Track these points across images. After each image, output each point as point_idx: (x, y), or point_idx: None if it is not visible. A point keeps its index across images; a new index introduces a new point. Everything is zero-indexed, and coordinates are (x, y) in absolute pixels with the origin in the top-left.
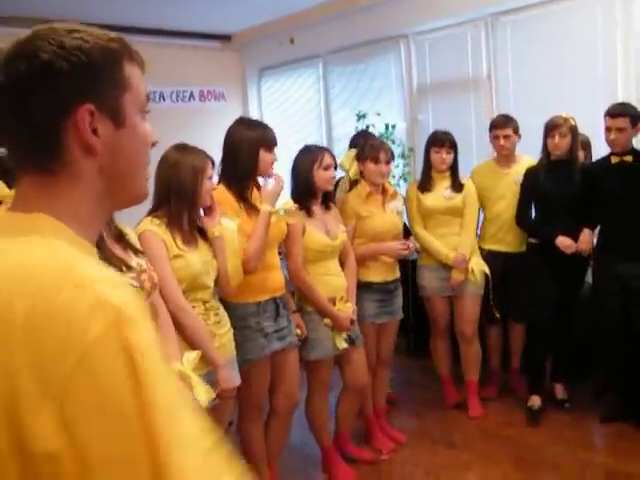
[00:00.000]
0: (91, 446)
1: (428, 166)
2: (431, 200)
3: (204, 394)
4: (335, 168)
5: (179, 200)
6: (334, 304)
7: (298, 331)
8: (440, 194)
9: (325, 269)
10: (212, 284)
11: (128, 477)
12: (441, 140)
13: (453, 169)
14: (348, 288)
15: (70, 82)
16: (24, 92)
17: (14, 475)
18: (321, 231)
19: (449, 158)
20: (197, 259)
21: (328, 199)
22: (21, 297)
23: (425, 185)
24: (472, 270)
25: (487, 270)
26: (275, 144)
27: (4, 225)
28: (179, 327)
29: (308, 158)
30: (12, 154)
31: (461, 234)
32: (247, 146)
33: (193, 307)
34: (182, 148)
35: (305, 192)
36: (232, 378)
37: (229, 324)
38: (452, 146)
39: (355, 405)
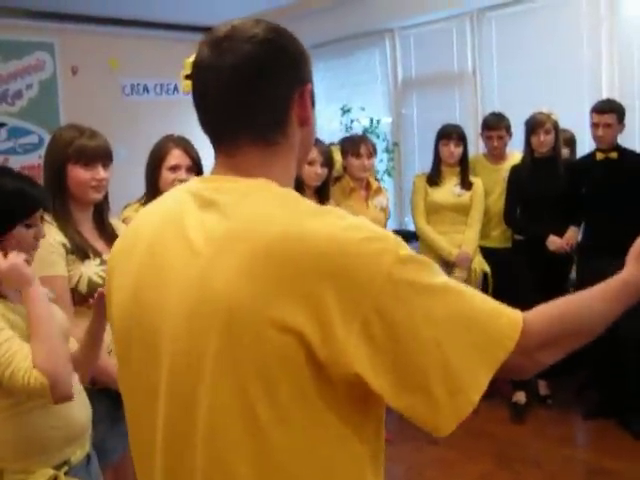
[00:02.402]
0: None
1: (438, 160)
2: (440, 195)
3: None
4: (326, 165)
5: (148, 190)
6: None
7: None
8: (449, 190)
9: None
10: None
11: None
12: (449, 133)
13: (463, 165)
14: None
15: (299, 65)
16: (262, 68)
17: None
18: None
19: (457, 151)
20: None
21: (324, 194)
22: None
23: (434, 179)
24: (474, 269)
25: (488, 270)
26: None
27: (242, 186)
28: None
29: None
30: (227, 126)
31: (466, 232)
32: None
33: None
34: (160, 140)
35: (294, 186)
36: None
37: None
38: (460, 139)
39: None
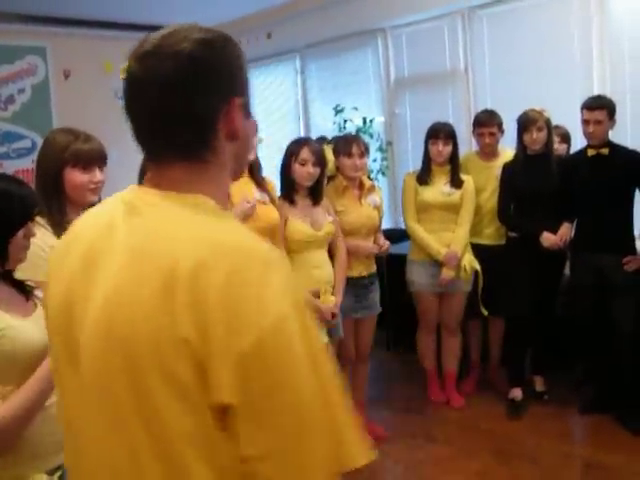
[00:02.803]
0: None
1: (428, 158)
2: (429, 194)
3: None
4: (319, 164)
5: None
6: (318, 297)
7: None
8: (439, 189)
9: (308, 261)
10: None
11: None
12: (437, 132)
13: (453, 163)
14: (336, 281)
15: (224, 78)
16: (185, 84)
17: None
18: (305, 222)
19: (446, 150)
20: None
21: (317, 193)
22: (220, 267)
23: (424, 178)
24: (464, 267)
25: (478, 267)
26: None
27: (171, 200)
28: None
29: (288, 151)
30: (155, 143)
31: (455, 231)
32: None
33: None
34: None
35: (286, 184)
36: None
37: None
38: (449, 137)
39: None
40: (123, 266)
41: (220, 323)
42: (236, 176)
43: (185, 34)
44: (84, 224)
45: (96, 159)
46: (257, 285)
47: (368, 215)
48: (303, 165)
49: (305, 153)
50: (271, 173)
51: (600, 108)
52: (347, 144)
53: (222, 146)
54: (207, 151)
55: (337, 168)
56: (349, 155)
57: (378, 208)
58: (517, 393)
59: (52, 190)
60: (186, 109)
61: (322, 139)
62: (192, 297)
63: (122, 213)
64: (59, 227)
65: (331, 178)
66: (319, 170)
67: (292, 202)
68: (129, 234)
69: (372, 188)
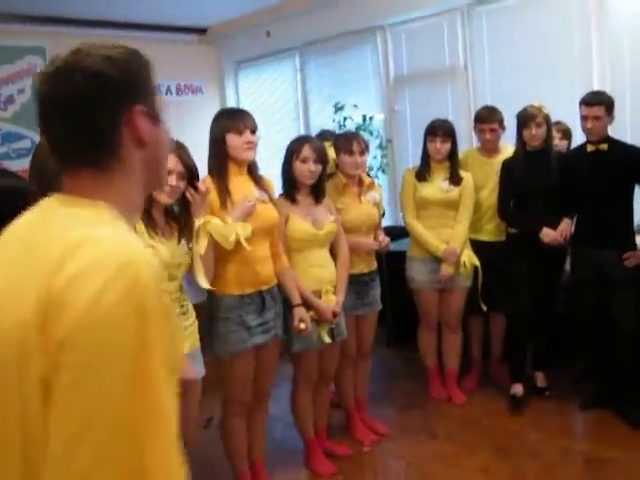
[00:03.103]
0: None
1: (426, 155)
2: (428, 190)
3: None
4: (320, 161)
5: None
6: (320, 297)
7: (302, 325)
8: (437, 185)
9: (310, 260)
10: (181, 275)
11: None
12: (435, 129)
13: (452, 160)
14: (338, 280)
15: (122, 87)
16: (84, 100)
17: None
18: (306, 221)
19: (444, 147)
20: (167, 251)
21: (318, 191)
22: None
23: (423, 174)
24: (464, 263)
25: (478, 263)
26: (246, 127)
27: (67, 205)
28: None
29: (289, 149)
30: (64, 154)
31: (454, 227)
32: (213, 133)
33: None
34: None
35: (287, 183)
36: (193, 370)
37: (194, 316)
38: (447, 135)
39: (325, 397)
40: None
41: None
42: (157, 183)
43: (89, 51)
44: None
45: None
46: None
47: (368, 213)
48: (304, 163)
49: (306, 151)
50: (271, 171)
51: (598, 104)
52: (348, 141)
53: (129, 154)
54: (113, 159)
55: (337, 165)
56: (350, 153)
57: (378, 205)
58: (518, 389)
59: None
60: (86, 123)
61: (326, 133)
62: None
63: (33, 217)
64: None
65: (330, 176)
66: (320, 168)
67: (293, 201)
68: (21, 241)
69: (371, 185)
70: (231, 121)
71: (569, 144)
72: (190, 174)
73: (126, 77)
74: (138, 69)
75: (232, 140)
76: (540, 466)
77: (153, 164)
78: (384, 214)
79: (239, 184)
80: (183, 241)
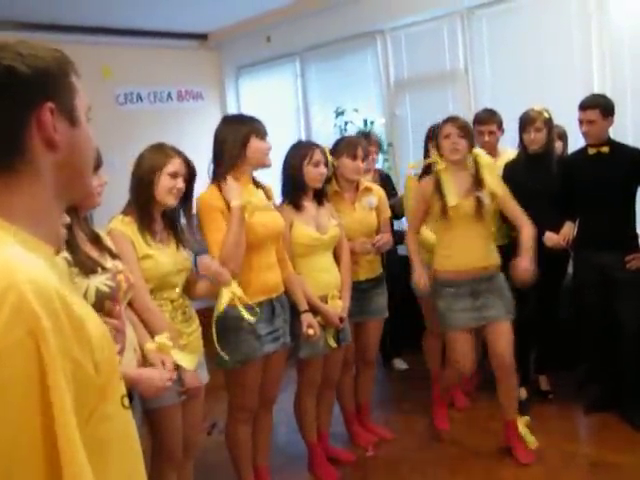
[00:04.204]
0: None
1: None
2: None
3: (188, 361)
4: (326, 165)
5: (138, 196)
6: (326, 302)
7: (310, 331)
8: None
9: (315, 265)
10: (181, 282)
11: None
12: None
13: None
14: (342, 284)
15: (31, 83)
16: None
17: None
18: (311, 226)
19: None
20: (168, 258)
21: (321, 195)
22: None
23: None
24: None
25: None
26: (266, 133)
27: None
28: (145, 326)
29: (298, 154)
30: None
31: None
32: (234, 136)
33: (160, 306)
34: (154, 147)
35: (295, 188)
36: (198, 377)
37: (197, 322)
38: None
39: (329, 402)
40: None
41: None
42: (77, 192)
43: (4, 47)
44: None
45: (101, 162)
46: None
47: (361, 219)
48: (317, 167)
49: (318, 154)
50: (266, 178)
51: (592, 108)
52: (352, 146)
53: (38, 155)
54: (18, 160)
55: (333, 171)
56: (353, 157)
57: (379, 209)
58: (522, 392)
59: None
60: None
61: (363, 134)
62: None
63: None
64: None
65: (327, 180)
66: (326, 171)
67: (299, 206)
68: None
69: (368, 189)
70: (258, 125)
71: (564, 146)
72: (191, 179)
73: (37, 73)
74: (54, 66)
75: (257, 143)
76: (544, 470)
77: (68, 169)
78: (395, 216)
79: (247, 191)
80: (181, 247)
